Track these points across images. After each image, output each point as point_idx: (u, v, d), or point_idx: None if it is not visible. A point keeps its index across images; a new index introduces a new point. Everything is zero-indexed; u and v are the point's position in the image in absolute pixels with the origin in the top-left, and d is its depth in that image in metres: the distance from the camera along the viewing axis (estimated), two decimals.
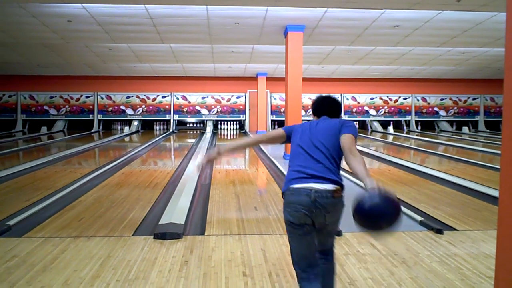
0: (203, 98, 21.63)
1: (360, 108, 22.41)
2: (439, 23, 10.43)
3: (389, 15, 9.83)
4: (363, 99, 22.42)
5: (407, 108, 22.61)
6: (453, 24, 10.60)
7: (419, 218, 5.10)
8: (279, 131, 2.94)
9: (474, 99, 22.78)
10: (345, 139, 2.63)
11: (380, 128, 21.94)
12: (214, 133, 19.99)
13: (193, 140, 16.11)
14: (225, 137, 18.32)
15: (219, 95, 21.69)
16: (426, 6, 9.07)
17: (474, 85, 22.38)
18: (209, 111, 21.68)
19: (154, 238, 4.40)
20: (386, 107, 22.52)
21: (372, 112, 22.50)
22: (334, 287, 2.77)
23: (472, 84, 22.34)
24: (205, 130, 20.86)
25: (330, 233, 2.72)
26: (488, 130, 21.95)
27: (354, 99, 22.36)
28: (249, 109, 21.68)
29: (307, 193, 2.51)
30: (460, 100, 22.76)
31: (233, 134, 19.98)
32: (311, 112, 2.99)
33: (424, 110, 22.67)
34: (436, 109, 22.67)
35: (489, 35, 11.63)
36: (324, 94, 3.07)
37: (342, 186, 2.59)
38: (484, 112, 22.84)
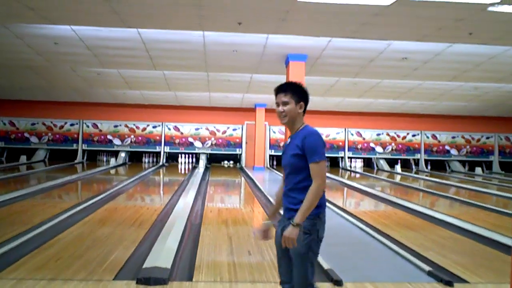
0: (196, 129, 21.72)
1: (365, 145, 22.51)
2: (450, 56, 10.64)
3: (397, 46, 10.07)
4: (369, 134, 22.54)
5: (416, 145, 22.73)
6: (464, 57, 10.84)
7: (427, 268, 5.06)
8: None
9: (488, 137, 22.94)
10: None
11: (386, 167, 21.95)
12: (208, 167, 19.97)
13: (184, 175, 16.03)
14: (219, 172, 18.27)
15: (214, 127, 21.80)
16: (436, 39, 9.27)
17: (488, 123, 22.56)
18: (203, 143, 21.74)
19: (137, 283, 4.35)
20: (393, 144, 22.63)
21: (379, 149, 22.59)
22: None
23: (486, 122, 22.52)
24: (198, 164, 20.86)
25: None
26: (503, 172, 21.99)
27: (359, 134, 22.49)
28: (246, 143, 21.76)
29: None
30: (473, 138, 22.90)
31: (228, 169, 19.96)
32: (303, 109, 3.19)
33: (434, 149, 22.78)
34: (447, 147, 22.80)
35: (503, 69, 11.80)
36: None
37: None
38: (499, 152, 22.95)
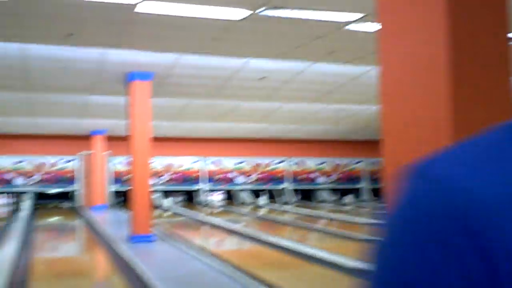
0: (17, 162, 20.15)
1: (225, 175, 22.48)
2: (312, 75, 11.13)
3: (255, 65, 10.32)
4: (229, 163, 22.55)
5: (281, 174, 23.14)
6: (327, 77, 11.43)
7: None
8: None
9: (358, 162, 24.08)
10: None
11: (250, 199, 22.03)
12: (37, 208, 18.65)
13: (2, 221, 14.72)
14: (49, 215, 17.14)
15: (42, 159, 20.39)
16: (296, 56, 9.67)
17: (357, 148, 23.49)
18: (27, 179, 20.26)
19: None
20: (256, 173, 22.88)
21: (240, 179, 22.69)
22: None
23: (354, 147, 23.46)
24: (21, 206, 19.26)
25: None
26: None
27: (219, 163, 22.40)
28: (84, 177, 20.45)
29: None
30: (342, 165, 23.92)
31: (61, 210, 18.85)
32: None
33: (303, 176, 23.38)
34: (314, 174, 23.54)
35: (366, 91, 12.11)
36: None
37: None
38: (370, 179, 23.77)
